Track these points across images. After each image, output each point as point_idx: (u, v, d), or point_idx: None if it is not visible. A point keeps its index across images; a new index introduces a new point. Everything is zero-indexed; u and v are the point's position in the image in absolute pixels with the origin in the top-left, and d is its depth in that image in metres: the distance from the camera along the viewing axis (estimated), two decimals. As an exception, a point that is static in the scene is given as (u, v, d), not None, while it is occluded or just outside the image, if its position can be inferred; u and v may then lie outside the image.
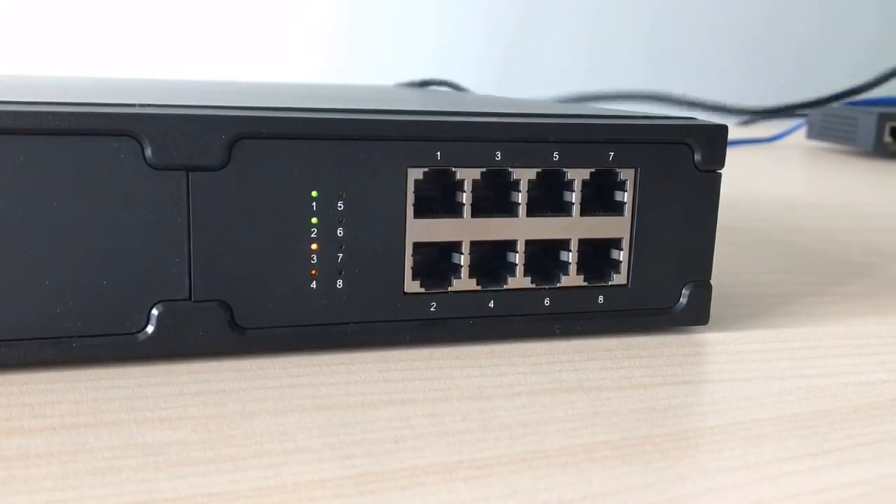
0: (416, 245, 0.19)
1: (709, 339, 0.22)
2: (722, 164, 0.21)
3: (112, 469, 0.14)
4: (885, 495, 0.14)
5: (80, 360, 0.18)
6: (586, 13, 1.07)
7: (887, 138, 0.70)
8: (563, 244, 0.21)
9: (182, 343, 0.18)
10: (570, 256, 0.20)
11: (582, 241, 0.21)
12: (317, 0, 0.96)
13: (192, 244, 0.18)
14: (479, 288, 0.20)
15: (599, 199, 0.21)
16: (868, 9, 1.15)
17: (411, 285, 0.19)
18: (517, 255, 0.20)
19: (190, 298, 0.18)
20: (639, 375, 0.19)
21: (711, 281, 0.22)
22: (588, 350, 0.20)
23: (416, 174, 0.19)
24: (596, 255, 0.21)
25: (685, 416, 0.17)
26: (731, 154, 0.22)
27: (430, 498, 0.13)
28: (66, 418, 0.15)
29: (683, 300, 0.21)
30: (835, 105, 0.70)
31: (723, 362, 0.20)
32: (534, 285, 0.20)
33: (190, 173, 0.17)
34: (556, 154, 0.20)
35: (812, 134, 0.80)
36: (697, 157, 0.21)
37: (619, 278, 0.21)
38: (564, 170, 0.20)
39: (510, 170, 0.19)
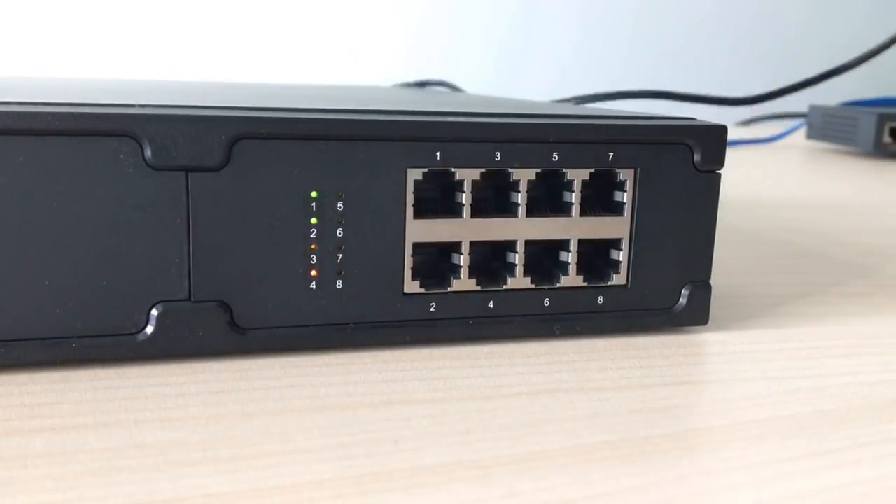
0: (416, 245, 0.19)
1: (709, 340, 0.22)
2: (721, 165, 0.21)
3: (112, 469, 0.14)
4: (885, 495, 0.14)
5: (80, 360, 0.18)
6: (585, 13, 1.07)
7: (887, 138, 0.70)
8: (563, 244, 0.21)
9: (181, 343, 0.18)
10: (570, 257, 0.20)
11: (581, 242, 0.21)
12: (317, 0, 0.96)
13: (192, 244, 0.18)
14: (478, 288, 0.20)
15: (599, 200, 0.21)
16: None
17: (411, 285, 0.19)
18: (517, 255, 0.20)
19: (189, 299, 0.18)
20: (639, 376, 0.19)
21: (711, 281, 0.22)
22: (588, 350, 0.20)
23: (415, 174, 0.19)
24: (596, 255, 0.21)
25: (685, 416, 0.17)
26: (731, 154, 0.22)
27: (430, 498, 0.13)
28: (66, 418, 0.15)
29: (683, 300, 0.21)
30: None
31: (723, 362, 0.20)
32: (533, 285, 0.20)
33: (190, 173, 0.17)
34: (555, 154, 0.20)
35: (812, 134, 0.80)
36: (697, 157, 0.21)
37: (618, 278, 0.21)
38: (564, 170, 0.20)
39: (510, 170, 0.19)
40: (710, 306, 0.22)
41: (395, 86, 0.66)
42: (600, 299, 0.21)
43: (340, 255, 0.19)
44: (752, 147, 0.78)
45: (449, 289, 0.20)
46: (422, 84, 0.70)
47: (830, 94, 0.85)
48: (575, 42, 1.08)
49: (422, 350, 0.20)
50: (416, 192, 0.19)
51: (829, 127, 0.77)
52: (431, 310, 0.20)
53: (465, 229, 0.20)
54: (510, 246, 0.20)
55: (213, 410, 0.16)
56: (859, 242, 0.35)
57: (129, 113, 0.17)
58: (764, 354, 0.21)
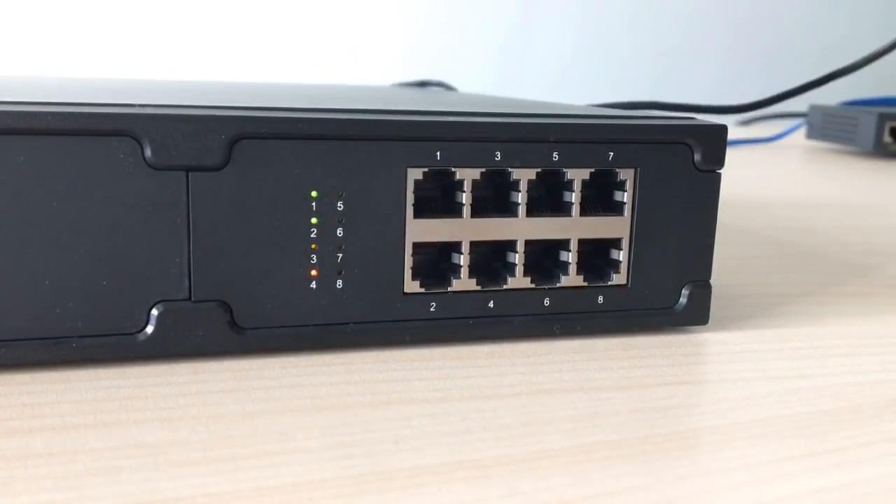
0: (416, 245, 0.19)
1: (709, 339, 0.22)
2: (721, 164, 0.21)
3: (112, 469, 0.14)
4: (885, 495, 0.14)
5: (80, 360, 0.18)
6: (584, 13, 1.07)
7: (887, 138, 0.70)
8: (563, 244, 0.21)
9: (182, 343, 0.18)
10: (570, 256, 0.20)
11: (582, 241, 0.21)
12: (317, 0, 0.96)
13: (192, 244, 0.18)
14: (478, 288, 0.20)
15: (599, 199, 0.21)
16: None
17: (411, 285, 0.19)
18: (517, 255, 0.20)
19: (190, 298, 0.18)
20: (639, 375, 0.19)
21: (711, 281, 0.22)
22: (588, 350, 0.20)
23: (415, 174, 0.19)
24: (596, 255, 0.21)
25: (685, 416, 0.17)
26: (731, 154, 0.22)
27: (430, 498, 0.13)
28: (66, 418, 0.15)
29: (683, 300, 0.21)
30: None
31: (723, 362, 0.20)
32: (534, 285, 0.20)
33: (190, 173, 0.17)
34: (555, 154, 0.20)
35: (812, 134, 0.80)
36: (697, 157, 0.21)
37: (618, 278, 0.21)
38: (564, 170, 0.20)
39: (510, 170, 0.19)
40: (710, 306, 0.22)
41: (395, 85, 0.66)
42: (600, 299, 0.21)
43: (340, 255, 0.19)
44: (752, 147, 0.78)
45: (449, 288, 0.20)
46: (422, 84, 0.70)
47: (830, 94, 0.85)
48: (574, 42, 1.08)
49: (422, 350, 0.20)
50: (416, 191, 0.19)
51: (829, 126, 0.77)
52: (431, 309, 0.20)
53: (466, 229, 0.20)
54: (510, 246, 0.20)
55: (213, 410, 0.16)
56: (859, 242, 0.35)
57: (130, 113, 0.17)
58: (764, 354, 0.21)
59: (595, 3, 1.08)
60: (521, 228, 0.20)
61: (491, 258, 0.21)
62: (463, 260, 0.20)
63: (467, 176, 0.19)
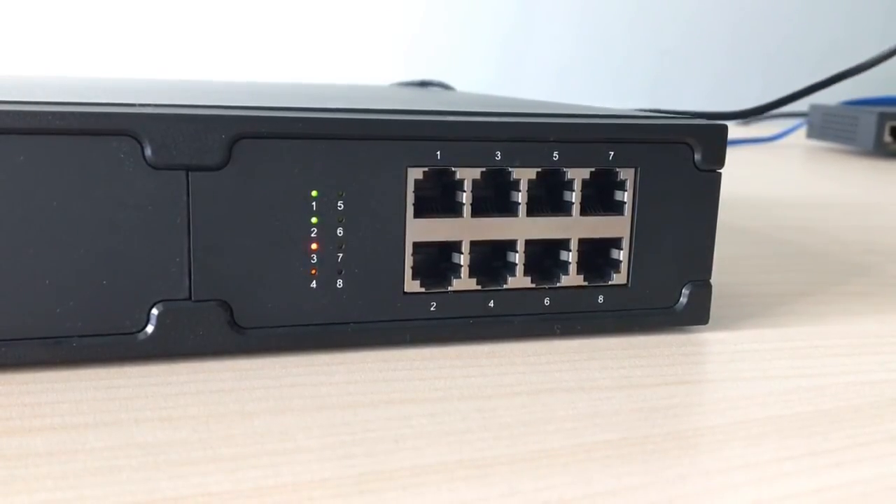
0: (416, 245, 0.19)
1: (709, 339, 0.22)
2: (722, 164, 0.21)
3: (112, 469, 0.14)
4: (885, 495, 0.14)
5: (80, 359, 0.18)
6: (584, 13, 1.07)
7: (887, 138, 0.70)
8: (563, 244, 0.21)
9: (182, 343, 0.18)
10: (570, 256, 0.20)
11: (582, 241, 0.21)
12: (317, 0, 0.96)
13: (192, 244, 0.18)
14: (479, 288, 0.20)
15: (599, 199, 0.21)
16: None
17: (411, 285, 0.19)
18: (517, 254, 0.20)
19: (190, 298, 0.18)
20: (639, 375, 0.19)
21: (711, 280, 0.22)
22: (588, 350, 0.20)
23: (416, 174, 0.19)
24: (596, 254, 0.21)
25: (685, 415, 0.17)
26: (731, 154, 0.22)
27: (430, 498, 0.13)
28: (66, 418, 0.15)
29: (683, 300, 0.21)
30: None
31: (723, 362, 0.20)
32: (534, 285, 0.20)
33: (190, 173, 0.17)
34: (555, 154, 0.20)
35: (812, 134, 0.80)
36: (697, 156, 0.21)
37: (619, 278, 0.21)
38: (564, 169, 0.20)
39: (510, 169, 0.19)
40: (710, 305, 0.22)
41: (395, 85, 0.66)
42: (601, 298, 0.21)
43: (341, 255, 0.19)
44: (753, 146, 0.78)
45: (449, 288, 0.20)
46: (422, 84, 0.70)
47: (831, 94, 0.85)
48: (574, 42, 1.08)
49: (422, 349, 0.20)
50: (416, 191, 0.19)
51: (829, 126, 0.77)
52: (432, 309, 0.20)
53: (466, 229, 0.20)
54: (510, 245, 0.20)
55: (214, 410, 0.16)
56: (860, 241, 0.35)
57: (130, 112, 0.17)
58: (764, 353, 0.21)
59: (595, 3, 1.08)
60: (522, 228, 0.20)
61: (491, 258, 0.21)
62: (463, 259, 0.20)
63: (467, 175, 0.19)
